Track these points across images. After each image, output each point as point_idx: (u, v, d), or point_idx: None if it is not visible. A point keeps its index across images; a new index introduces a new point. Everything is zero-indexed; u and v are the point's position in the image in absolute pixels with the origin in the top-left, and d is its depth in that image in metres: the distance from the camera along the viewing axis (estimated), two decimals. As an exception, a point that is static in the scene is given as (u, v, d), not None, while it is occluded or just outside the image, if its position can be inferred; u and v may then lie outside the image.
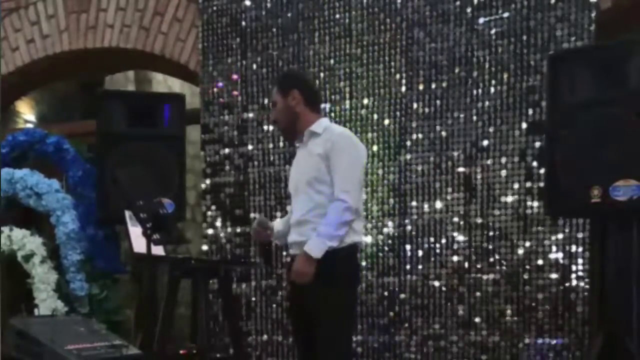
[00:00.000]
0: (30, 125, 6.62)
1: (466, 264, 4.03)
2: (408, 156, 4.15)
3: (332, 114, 4.28)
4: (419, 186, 4.13)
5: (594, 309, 3.77)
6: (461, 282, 4.03)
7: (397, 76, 4.18)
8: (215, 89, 4.63)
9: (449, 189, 4.07)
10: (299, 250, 3.09)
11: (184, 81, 5.64)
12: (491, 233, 3.98)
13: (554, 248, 3.85)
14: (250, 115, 4.56)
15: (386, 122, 4.19)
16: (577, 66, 3.25)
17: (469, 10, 4.00)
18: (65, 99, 7.18)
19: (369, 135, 4.14)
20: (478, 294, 4.00)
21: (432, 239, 4.10)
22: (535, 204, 3.87)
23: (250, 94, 4.55)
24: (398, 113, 4.18)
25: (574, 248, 3.82)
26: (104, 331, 3.81)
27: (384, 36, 4.20)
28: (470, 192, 4.02)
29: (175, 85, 6.59)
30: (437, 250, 4.09)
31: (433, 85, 4.10)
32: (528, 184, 3.90)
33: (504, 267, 3.95)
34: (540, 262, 3.88)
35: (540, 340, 3.87)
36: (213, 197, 4.66)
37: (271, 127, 4.49)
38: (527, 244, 3.90)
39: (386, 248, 4.19)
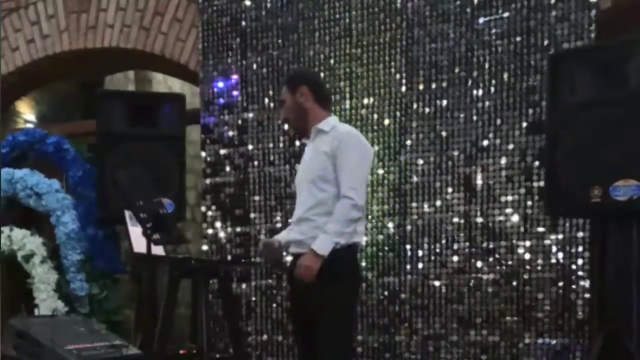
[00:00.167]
0: (30, 125, 6.62)
1: (466, 264, 4.03)
2: (408, 156, 4.15)
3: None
4: (419, 186, 4.13)
5: (594, 309, 3.77)
6: (461, 282, 4.03)
7: (397, 76, 4.18)
8: (215, 89, 4.63)
9: (449, 189, 4.07)
10: (298, 248, 3.09)
11: (184, 81, 5.64)
12: (491, 233, 3.98)
13: (554, 248, 3.85)
14: (250, 115, 4.56)
15: (386, 122, 4.19)
16: (577, 66, 3.25)
17: (469, 10, 4.00)
18: (65, 99, 7.18)
19: (369, 135, 4.13)
20: (478, 294, 4.00)
21: (432, 239, 4.10)
22: (535, 204, 3.87)
23: (250, 94, 4.55)
24: (398, 113, 4.18)
25: (574, 248, 3.82)
26: (104, 331, 3.80)
27: (384, 36, 4.20)
28: (470, 192, 4.02)
29: (175, 85, 6.60)
30: (437, 250, 4.09)
31: (433, 85, 4.10)
32: (528, 184, 3.90)
33: (504, 267, 3.95)
34: (540, 262, 3.88)
35: (540, 340, 3.87)
36: (213, 197, 4.66)
37: (271, 127, 4.49)
38: (527, 244, 3.90)
39: (386, 248, 4.19)
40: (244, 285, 4.54)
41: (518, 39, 3.91)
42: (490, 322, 3.98)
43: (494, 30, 3.96)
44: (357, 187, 3.00)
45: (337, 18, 4.31)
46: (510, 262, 3.94)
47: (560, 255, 3.84)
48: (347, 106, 4.27)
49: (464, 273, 4.03)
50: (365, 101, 4.24)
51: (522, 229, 3.91)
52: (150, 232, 2.98)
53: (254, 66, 4.53)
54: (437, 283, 4.09)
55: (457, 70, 4.05)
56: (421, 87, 4.13)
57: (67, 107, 7.18)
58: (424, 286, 4.11)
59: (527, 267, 3.90)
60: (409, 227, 4.15)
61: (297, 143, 4.41)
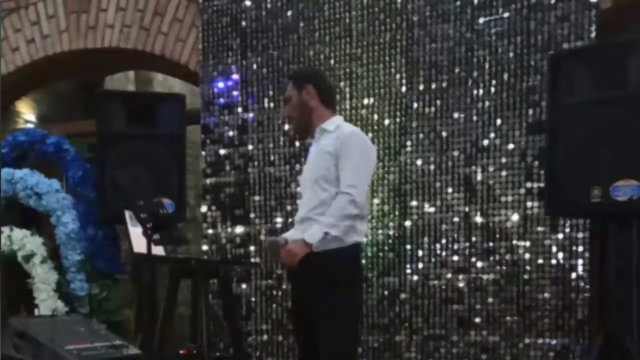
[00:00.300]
0: (30, 125, 6.63)
1: (466, 264, 4.03)
2: (408, 156, 4.15)
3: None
4: (419, 186, 4.13)
5: (594, 309, 3.77)
6: (461, 282, 4.03)
7: (398, 76, 4.18)
8: (215, 89, 4.63)
9: (449, 189, 4.07)
10: None
11: (184, 81, 5.64)
12: (491, 233, 3.98)
13: (554, 248, 3.85)
14: (250, 115, 4.56)
15: (386, 122, 4.19)
16: (577, 66, 3.25)
17: (469, 10, 4.00)
18: (65, 99, 7.19)
19: (369, 135, 4.12)
20: (478, 294, 4.00)
21: (432, 239, 4.10)
22: (535, 204, 3.87)
23: (250, 94, 4.55)
24: (398, 113, 4.18)
25: (574, 248, 3.82)
26: (104, 331, 3.81)
27: (385, 36, 4.20)
28: (470, 192, 4.02)
29: (175, 85, 6.59)
30: (437, 250, 4.09)
31: (433, 85, 4.10)
32: (528, 184, 3.90)
33: (504, 267, 3.95)
34: (540, 262, 3.88)
35: (540, 340, 3.87)
36: (213, 197, 4.66)
37: (271, 127, 4.49)
38: (527, 244, 3.90)
39: (386, 248, 4.19)
40: (244, 285, 4.54)
41: (518, 39, 3.91)
42: (490, 322, 3.98)
43: (494, 30, 3.96)
44: (357, 185, 2.98)
45: (338, 18, 4.31)
46: (510, 262, 3.94)
47: (560, 255, 3.84)
48: (347, 106, 4.27)
49: (464, 273, 4.03)
50: (366, 101, 4.24)
51: (522, 229, 3.91)
52: (150, 232, 2.99)
53: (254, 66, 4.53)
54: (437, 283, 4.09)
55: (457, 70, 4.05)
56: (421, 87, 4.13)
57: (67, 107, 7.18)
58: (424, 286, 4.11)
59: (527, 267, 3.90)
60: (409, 227, 4.15)
61: (297, 143, 4.42)
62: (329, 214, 2.98)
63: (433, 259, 4.10)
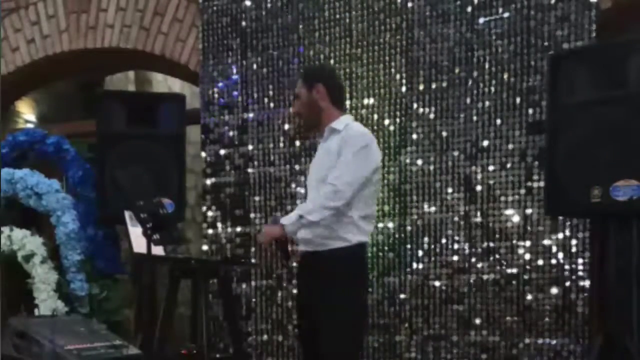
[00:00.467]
0: (30, 125, 6.62)
1: (466, 264, 4.03)
2: (408, 156, 4.15)
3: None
4: (419, 186, 4.13)
5: (594, 309, 3.77)
6: (461, 282, 4.03)
7: (398, 76, 4.18)
8: (215, 89, 4.63)
9: (449, 189, 4.07)
10: (307, 246, 3.09)
11: (184, 81, 5.64)
12: (491, 233, 3.98)
13: (554, 248, 3.85)
14: (250, 115, 4.56)
15: (386, 122, 4.19)
16: (577, 66, 3.24)
17: (469, 10, 4.00)
18: (65, 99, 7.18)
19: (369, 135, 4.13)
20: (478, 294, 4.00)
21: (432, 239, 4.10)
22: (536, 204, 3.87)
23: (250, 94, 4.55)
24: (398, 113, 4.18)
25: (574, 248, 3.82)
26: (104, 331, 3.81)
27: (385, 36, 4.20)
28: (470, 192, 4.02)
29: (175, 85, 6.60)
30: (437, 250, 4.09)
31: (433, 85, 4.10)
32: (528, 184, 3.90)
33: (504, 267, 3.95)
34: (540, 262, 3.88)
35: (540, 340, 3.87)
36: (213, 197, 4.66)
37: (271, 127, 4.49)
38: (527, 244, 3.90)
39: (386, 248, 4.19)
40: (244, 285, 4.54)
41: (518, 39, 3.91)
42: (490, 322, 3.98)
43: (494, 30, 3.96)
44: (344, 177, 2.95)
45: (338, 18, 4.31)
46: (510, 262, 3.94)
47: (560, 255, 3.84)
48: (347, 106, 4.26)
49: (464, 273, 4.03)
50: (366, 101, 4.24)
51: (522, 229, 3.91)
52: (150, 232, 2.99)
53: (254, 66, 4.53)
54: (437, 283, 4.09)
55: (457, 71, 4.05)
56: (421, 87, 4.13)
57: (67, 107, 7.17)
58: (424, 286, 4.11)
59: (527, 267, 3.90)
60: (409, 227, 4.15)
61: (297, 143, 4.42)
62: (310, 200, 2.98)
63: (433, 259, 4.10)
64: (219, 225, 4.63)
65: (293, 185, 4.41)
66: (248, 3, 4.54)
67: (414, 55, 4.14)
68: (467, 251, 4.03)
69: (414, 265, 4.13)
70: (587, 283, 3.78)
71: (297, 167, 4.40)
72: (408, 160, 4.15)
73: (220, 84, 4.62)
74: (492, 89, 3.97)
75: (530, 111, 3.90)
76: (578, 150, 3.15)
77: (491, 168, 3.97)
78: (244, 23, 4.55)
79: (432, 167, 4.10)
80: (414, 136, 4.14)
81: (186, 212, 4.88)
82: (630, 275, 3.50)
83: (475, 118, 4.01)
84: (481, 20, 3.99)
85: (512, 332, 3.93)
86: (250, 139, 4.56)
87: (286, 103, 4.45)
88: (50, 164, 4.85)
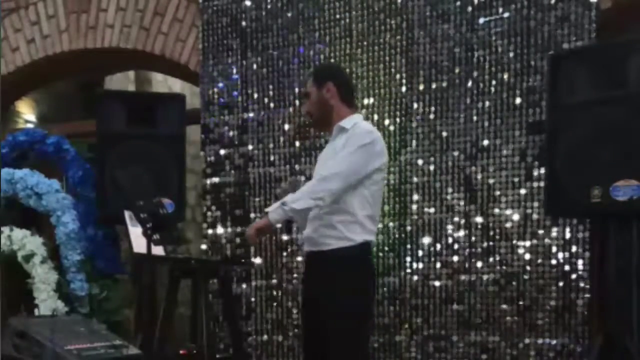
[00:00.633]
0: (30, 125, 6.63)
1: (466, 264, 4.03)
2: (408, 156, 4.15)
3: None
4: (419, 186, 4.13)
5: (594, 309, 3.77)
6: (461, 282, 4.03)
7: (398, 76, 4.18)
8: (215, 89, 4.63)
9: (449, 189, 4.07)
10: (311, 246, 3.08)
11: (184, 81, 5.64)
12: (491, 233, 3.98)
13: (554, 248, 3.85)
14: (251, 115, 4.56)
15: (386, 122, 4.19)
16: (577, 66, 3.24)
17: (469, 10, 4.00)
18: (65, 99, 7.18)
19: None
20: (478, 294, 4.00)
21: (432, 239, 4.10)
22: (535, 204, 3.87)
23: (250, 94, 4.55)
24: (398, 113, 4.18)
25: (574, 248, 3.82)
26: (104, 331, 3.81)
27: (385, 36, 4.20)
28: (471, 192, 4.02)
29: (175, 85, 6.59)
30: (437, 250, 4.09)
31: (433, 85, 4.10)
32: (528, 184, 3.90)
33: (504, 267, 3.95)
34: (540, 262, 3.88)
35: (540, 340, 3.87)
36: (213, 197, 4.66)
37: (271, 127, 4.49)
38: (527, 244, 3.90)
39: (386, 248, 4.19)
40: (244, 285, 4.54)
41: (518, 39, 3.91)
42: (490, 322, 3.98)
43: (494, 30, 3.96)
44: (334, 168, 2.94)
45: (338, 18, 4.31)
46: (510, 262, 3.94)
47: (560, 255, 3.84)
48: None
49: (464, 273, 4.03)
50: (366, 101, 4.24)
51: (522, 229, 3.91)
52: (150, 232, 2.99)
53: (254, 66, 4.53)
54: (437, 283, 4.09)
55: (457, 71, 4.05)
56: (421, 87, 4.13)
57: (67, 107, 7.17)
58: (424, 286, 4.11)
59: (527, 267, 3.90)
60: (409, 227, 4.15)
61: (297, 143, 4.42)
62: (299, 191, 2.99)
63: (433, 259, 4.10)
64: (219, 225, 4.63)
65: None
66: (248, 3, 4.54)
67: (414, 55, 4.14)
68: (467, 251, 4.03)
69: (414, 265, 4.13)
70: (587, 283, 3.78)
71: (297, 167, 4.40)
72: (408, 160, 4.15)
73: (220, 84, 4.62)
74: (492, 89, 3.97)
75: (530, 111, 3.90)
76: (578, 150, 3.15)
77: (491, 168, 3.97)
78: (244, 23, 4.56)
79: (432, 167, 4.10)
80: (414, 136, 4.14)
81: (186, 212, 4.88)
82: (630, 275, 3.49)
83: (475, 118, 4.01)
84: (481, 20, 3.99)
85: (512, 332, 3.93)
86: (250, 139, 4.56)
87: (286, 103, 4.45)
88: (50, 164, 4.85)
